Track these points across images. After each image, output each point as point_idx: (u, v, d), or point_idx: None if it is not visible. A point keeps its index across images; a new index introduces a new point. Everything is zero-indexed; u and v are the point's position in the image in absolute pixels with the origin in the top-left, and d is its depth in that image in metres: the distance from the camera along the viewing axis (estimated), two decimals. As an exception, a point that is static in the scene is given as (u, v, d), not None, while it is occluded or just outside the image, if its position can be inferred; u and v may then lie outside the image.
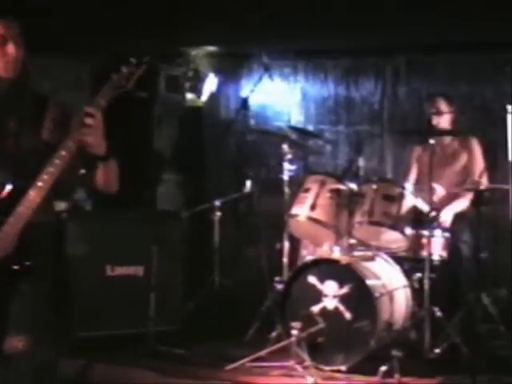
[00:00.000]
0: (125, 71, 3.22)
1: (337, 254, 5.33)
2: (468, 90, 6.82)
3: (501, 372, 4.91)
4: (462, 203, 5.69)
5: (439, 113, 5.82)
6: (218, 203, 6.19)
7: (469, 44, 6.63)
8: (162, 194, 6.99)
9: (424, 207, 5.38)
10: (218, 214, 6.20)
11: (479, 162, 5.85)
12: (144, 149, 6.93)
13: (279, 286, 5.60)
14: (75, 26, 5.80)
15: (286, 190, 5.84)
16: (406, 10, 5.55)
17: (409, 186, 5.52)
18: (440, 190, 5.67)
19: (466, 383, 4.78)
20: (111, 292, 5.62)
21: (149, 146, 6.98)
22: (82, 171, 3.19)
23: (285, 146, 5.86)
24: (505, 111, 5.48)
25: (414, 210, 5.38)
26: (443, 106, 5.93)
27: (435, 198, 5.52)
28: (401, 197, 5.33)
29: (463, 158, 5.94)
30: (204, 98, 7.48)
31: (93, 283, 5.58)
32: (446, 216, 5.60)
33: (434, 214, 5.37)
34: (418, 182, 5.98)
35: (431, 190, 5.32)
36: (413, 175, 6.05)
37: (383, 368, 4.89)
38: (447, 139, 5.99)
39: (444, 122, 5.88)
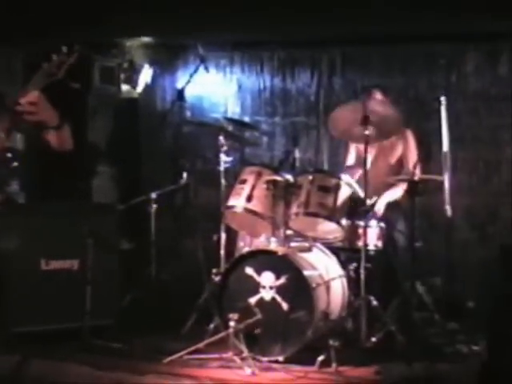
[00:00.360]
0: (56, 59, 3.20)
1: (273, 245, 5.33)
2: (403, 82, 6.89)
3: (435, 359, 4.97)
4: (396, 192, 5.75)
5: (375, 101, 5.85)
6: (154, 195, 6.14)
7: (403, 36, 6.70)
8: (97, 187, 6.91)
9: (360, 194, 5.40)
10: (154, 206, 6.15)
11: (413, 153, 5.93)
12: (78, 141, 6.77)
13: (216, 278, 5.59)
14: (7, 14, 5.69)
15: (223, 181, 5.83)
16: (342, 2, 5.57)
17: (345, 176, 5.56)
18: (376, 176, 5.73)
19: (401, 371, 4.85)
20: (46, 286, 5.53)
21: (83, 138, 6.87)
22: (15, 164, 3.17)
23: (221, 138, 5.84)
24: (439, 103, 5.56)
25: (350, 201, 5.41)
26: (378, 97, 5.98)
27: (373, 185, 5.58)
28: (336, 188, 5.36)
29: (399, 149, 6.00)
30: (139, 89, 7.42)
31: (27, 278, 5.48)
32: (380, 205, 5.65)
33: (370, 202, 5.42)
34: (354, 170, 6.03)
35: (366, 180, 5.35)
36: (351, 159, 6.10)
37: (320, 358, 4.94)
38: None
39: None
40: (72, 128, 6.63)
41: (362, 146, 5.53)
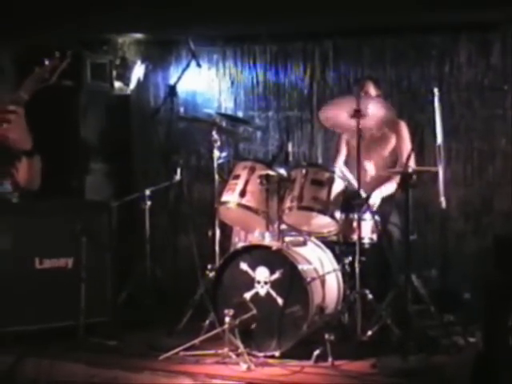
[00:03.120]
0: (48, 64, 3.19)
1: (268, 240, 5.33)
2: (395, 74, 6.87)
3: (432, 352, 4.98)
4: (390, 186, 5.74)
5: (367, 96, 5.85)
6: (147, 192, 6.13)
7: (395, 28, 6.68)
8: (91, 184, 6.88)
9: (355, 187, 5.39)
10: (148, 203, 6.14)
11: (407, 145, 5.91)
12: (71, 138, 6.82)
13: (211, 274, 5.58)
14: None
15: (217, 177, 5.81)
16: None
17: (338, 169, 5.54)
18: (371, 169, 5.72)
19: (398, 364, 4.85)
20: (41, 285, 5.53)
21: (76, 135, 6.86)
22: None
23: (214, 133, 5.83)
24: (432, 94, 5.55)
25: (344, 194, 5.40)
26: (371, 89, 5.98)
27: (367, 178, 5.57)
28: (330, 181, 5.34)
29: (392, 142, 5.99)
30: (132, 86, 7.40)
31: (21, 276, 5.48)
32: (375, 199, 5.64)
33: (364, 196, 5.41)
34: (346, 165, 6.04)
35: (360, 173, 5.33)
36: (342, 157, 6.10)
37: (316, 352, 4.94)
38: (376, 123, 6.03)
39: (372, 105, 5.92)
40: (64, 126, 6.64)
41: (354, 141, 5.50)
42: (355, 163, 5.43)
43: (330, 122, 5.61)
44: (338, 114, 5.39)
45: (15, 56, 6.73)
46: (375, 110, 5.36)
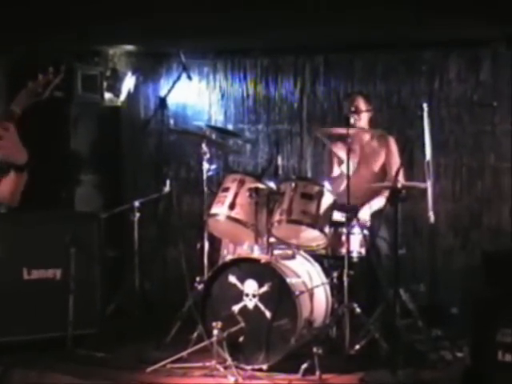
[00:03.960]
0: (41, 79, 3.19)
1: (257, 253, 5.33)
2: (385, 89, 6.90)
3: (420, 366, 4.99)
4: (379, 201, 5.76)
5: (357, 111, 5.88)
6: (137, 204, 6.11)
7: (386, 43, 6.72)
8: (80, 195, 6.87)
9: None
10: (138, 214, 6.13)
11: (396, 160, 5.93)
12: (61, 149, 6.81)
13: (200, 286, 5.57)
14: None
15: (206, 189, 5.82)
16: (325, 9, 5.58)
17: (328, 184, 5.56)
18: (360, 183, 5.73)
19: (386, 378, 4.85)
20: (28, 296, 5.50)
21: (66, 146, 6.84)
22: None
23: (204, 146, 5.83)
24: (421, 109, 5.57)
25: (333, 208, 5.41)
26: (361, 104, 6.00)
27: (357, 192, 5.59)
28: (319, 195, 5.35)
29: (382, 157, 6.01)
30: (122, 97, 7.41)
31: (9, 287, 5.46)
32: (364, 214, 5.65)
33: (352, 211, 5.42)
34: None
35: (349, 187, 5.34)
36: (335, 170, 6.09)
37: (304, 365, 4.93)
38: (366, 138, 6.06)
39: (362, 120, 5.95)
40: (54, 137, 6.62)
41: (344, 155, 5.52)
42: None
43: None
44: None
45: (7, 69, 6.72)
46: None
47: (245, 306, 5.14)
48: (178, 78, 6.05)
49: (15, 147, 3.04)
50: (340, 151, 5.87)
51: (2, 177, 3.12)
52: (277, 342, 5.06)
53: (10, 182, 3.11)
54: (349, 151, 5.36)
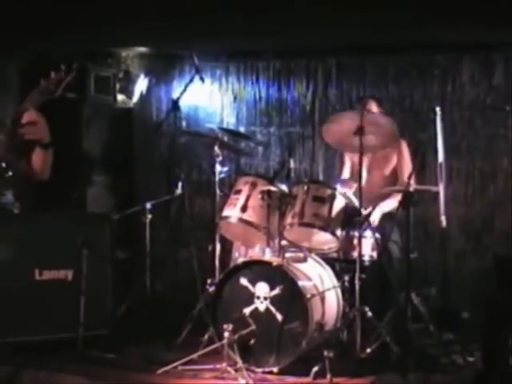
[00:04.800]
0: (54, 77, 3.21)
1: (268, 255, 5.33)
2: (398, 92, 6.90)
3: (431, 370, 4.97)
4: (391, 203, 5.74)
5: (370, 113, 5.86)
6: (149, 205, 6.12)
7: (398, 47, 6.71)
8: (92, 196, 6.89)
9: (355, 204, 5.38)
10: (149, 216, 6.13)
11: (408, 164, 5.92)
12: (73, 150, 6.82)
13: (211, 289, 5.57)
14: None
15: (218, 191, 5.82)
16: (337, 12, 5.58)
17: (340, 187, 5.54)
18: (372, 187, 5.71)
19: (397, 382, 4.84)
20: (40, 296, 5.51)
21: (78, 147, 6.87)
22: (9, 174, 3.20)
23: (216, 148, 5.84)
24: (434, 113, 5.56)
25: (345, 211, 5.40)
26: (373, 107, 5.99)
27: (368, 195, 5.57)
28: (331, 198, 5.35)
29: (393, 161, 6.00)
30: (135, 99, 7.43)
31: (21, 288, 5.46)
32: (375, 216, 5.64)
33: (365, 213, 5.41)
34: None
35: (361, 191, 5.33)
36: (347, 171, 6.10)
37: (315, 369, 4.92)
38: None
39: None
40: (67, 138, 6.65)
41: (356, 158, 5.51)
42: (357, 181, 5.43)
43: (333, 139, 5.61)
44: (341, 130, 5.39)
45: (20, 68, 6.75)
46: (378, 126, 5.35)
47: (256, 309, 5.14)
48: (191, 80, 6.05)
49: (44, 129, 3.16)
50: (352, 154, 5.87)
51: (29, 153, 3.27)
52: (288, 344, 5.05)
53: (40, 156, 3.25)
54: (361, 155, 5.34)
